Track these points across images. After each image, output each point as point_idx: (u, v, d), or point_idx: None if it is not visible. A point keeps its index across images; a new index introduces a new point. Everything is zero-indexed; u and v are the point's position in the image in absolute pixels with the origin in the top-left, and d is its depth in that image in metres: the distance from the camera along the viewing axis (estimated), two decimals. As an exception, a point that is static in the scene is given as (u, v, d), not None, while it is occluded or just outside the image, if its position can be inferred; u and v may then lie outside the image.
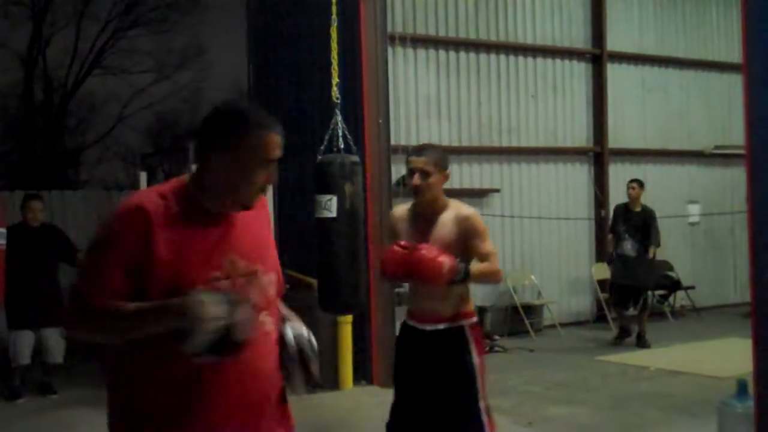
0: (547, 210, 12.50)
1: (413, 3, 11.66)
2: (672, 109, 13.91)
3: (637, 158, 13.58)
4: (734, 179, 13.68)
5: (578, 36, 13.17)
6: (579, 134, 13.11)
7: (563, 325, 12.19)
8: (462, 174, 12.09)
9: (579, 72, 13.18)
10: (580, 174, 13.13)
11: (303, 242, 9.04)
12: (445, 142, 11.95)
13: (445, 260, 4.36)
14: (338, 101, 6.73)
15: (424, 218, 4.69)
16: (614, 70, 13.37)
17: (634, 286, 10.89)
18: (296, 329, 2.79)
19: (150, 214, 2.53)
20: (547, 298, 12.08)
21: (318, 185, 6.28)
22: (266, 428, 2.72)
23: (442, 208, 4.69)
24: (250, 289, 2.65)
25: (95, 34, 27.74)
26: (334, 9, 6.85)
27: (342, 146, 6.59)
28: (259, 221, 2.81)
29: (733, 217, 13.78)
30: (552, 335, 11.71)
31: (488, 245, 4.62)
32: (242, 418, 2.63)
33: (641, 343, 10.82)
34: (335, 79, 6.53)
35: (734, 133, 13.39)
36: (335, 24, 6.65)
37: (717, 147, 14.00)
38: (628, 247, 10.85)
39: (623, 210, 11.08)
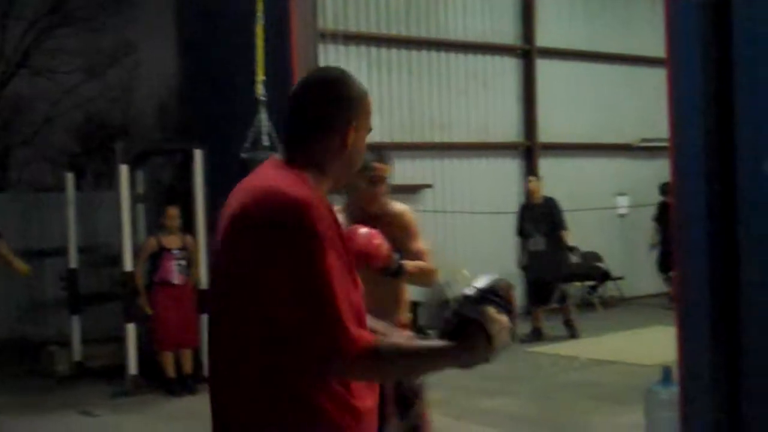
0: (478, 204, 12.58)
1: (344, 0, 11.64)
2: (601, 103, 14.10)
3: (567, 152, 13.74)
4: (661, 171, 13.89)
5: (508, 32, 13.28)
6: (509, 129, 13.23)
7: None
8: (394, 170, 12.09)
9: (509, 67, 13.30)
10: (511, 168, 13.25)
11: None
12: (377, 139, 11.94)
13: (383, 242, 3.99)
14: (263, 98, 6.69)
15: (362, 220, 4.20)
16: (544, 66, 13.51)
17: (547, 280, 10.90)
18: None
19: (329, 215, 2.21)
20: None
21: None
22: None
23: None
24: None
25: (21, 33, 27.15)
26: (259, 6, 6.81)
27: (267, 144, 6.54)
28: None
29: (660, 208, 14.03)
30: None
31: (421, 243, 4.38)
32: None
33: (570, 330, 10.92)
34: (260, 77, 6.49)
35: (661, 126, 13.55)
36: (261, 21, 6.61)
37: (644, 140, 14.24)
38: (538, 242, 10.76)
39: (525, 207, 11.04)
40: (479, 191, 12.67)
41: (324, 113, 2.31)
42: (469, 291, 2.27)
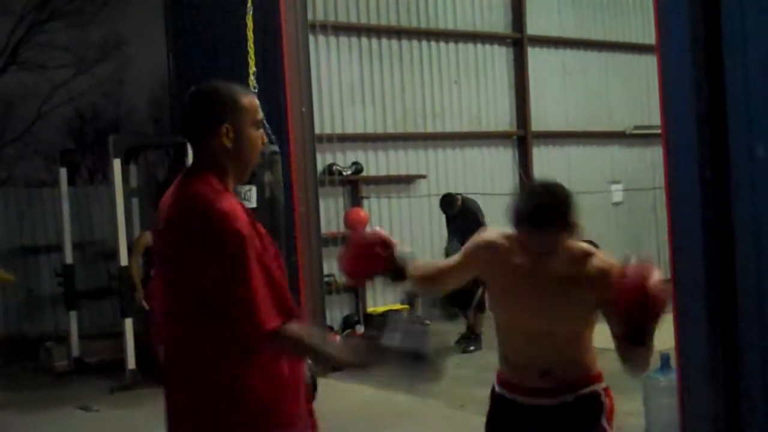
0: (473, 194, 12.59)
1: (334, -9, 11.62)
2: (592, 91, 14.11)
3: (560, 140, 13.76)
4: (654, 158, 13.93)
5: (498, 20, 13.27)
6: (502, 118, 13.23)
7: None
8: (388, 161, 12.13)
9: (500, 56, 13.29)
10: (504, 158, 13.26)
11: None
12: (369, 130, 11.98)
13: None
14: (255, 90, 6.68)
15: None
16: (535, 54, 13.51)
17: (466, 288, 10.21)
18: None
19: (244, 218, 2.64)
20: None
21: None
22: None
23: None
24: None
25: (10, 29, 27.05)
26: (249, -3, 6.79)
27: (259, 135, 6.53)
28: None
29: (655, 194, 14.04)
30: (483, 317, 11.81)
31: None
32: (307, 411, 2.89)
33: (465, 341, 10.11)
34: (252, 68, 6.48)
35: (653, 113, 13.59)
36: (251, 12, 6.61)
37: (637, 127, 14.26)
38: (453, 249, 9.69)
39: (448, 216, 10.52)
40: (473, 181, 12.67)
41: (198, 121, 2.76)
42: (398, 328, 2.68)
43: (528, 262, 3.21)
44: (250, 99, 2.78)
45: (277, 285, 2.61)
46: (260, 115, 2.80)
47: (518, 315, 3.25)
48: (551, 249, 3.15)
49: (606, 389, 3.37)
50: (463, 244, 9.53)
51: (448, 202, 10.41)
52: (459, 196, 10.50)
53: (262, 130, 2.82)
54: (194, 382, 2.68)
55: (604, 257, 3.23)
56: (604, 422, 3.27)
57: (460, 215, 10.21)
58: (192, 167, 2.76)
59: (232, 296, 2.54)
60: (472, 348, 9.97)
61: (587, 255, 3.21)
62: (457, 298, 9.84)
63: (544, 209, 3.09)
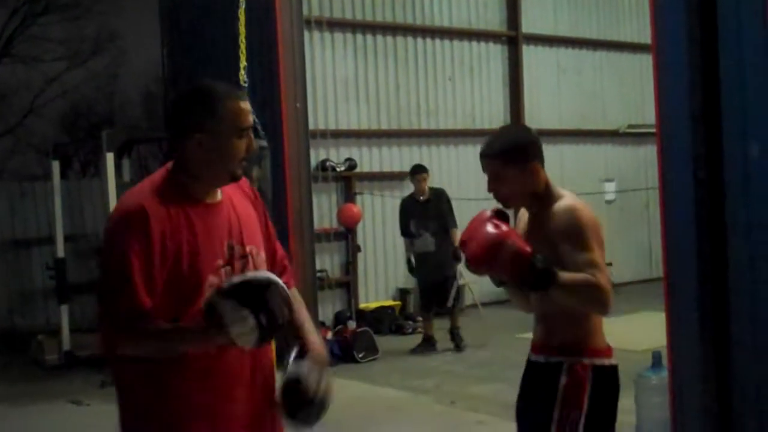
0: (466, 191, 12.59)
1: (329, -14, 11.62)
2: (586, 89, 14.13)
3: (554, 138, 13.74)
4: (647, 157, 13.97)
5: (493, 18, 13.28)
6: (496, 116, 13.24)
7: (484, 304, 12.32)
8: (381, 157, 12.13)
9: (495, 54, 13.30)
10: (498, 155, 13.26)
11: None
12: (363, 126, 11.99)
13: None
14: (246, 85, 6.66)
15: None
16: (529, 52, 13.52)
17: (440, 281, 9.62)
18: (306, 376, 2.70)
19: (152, 215, 2.54)
20: (467, 279, 12.20)
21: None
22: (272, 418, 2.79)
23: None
24: (248, 270, 2.68)
25: (4, 21, 26.98)
26: (242, -9, 6.77)
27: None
28: (244, 204, 2.83)
29: (648, 193, 14.07)
30: (473, 315, 11.81)
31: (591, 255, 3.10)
32: (253, 408, 2.72)
33: (454, 341, 9.74)
34: (243, 63, 6.47)
35: (647, 112, 13.65)
36: (243, 6, 6.58)
37: (630, 126, 14.29)
38: (426, 243, 9.61)
39: (410, 203, 9.86)
40: (467, 178, 12.67)
41: (174, 124, 2.71)
42: (225, 284, 2.50)
43: (528, 219, 3.37)
44: (235, 105, 2.64)
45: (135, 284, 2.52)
46: (246, 121, 2.66)
47: None
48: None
49: (579, 366, 3.17)
50: (441, 233, 9.35)
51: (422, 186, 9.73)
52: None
53: (248, 136, 2.68)
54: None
55: (570, 202, 3.20)
56: (555, 403, 3.16)
57: (432, 200, 9.68)
58: (168, 167, 2.72)
59: (99, 296, 2.60)
60: (418, 349, 9.64)
61: (557, 203, 3.22)
62: (432, 294, 9.67)
63: (492, 138, 3.40)
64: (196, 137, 2.61)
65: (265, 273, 2.60)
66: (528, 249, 2.96)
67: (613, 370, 3.26)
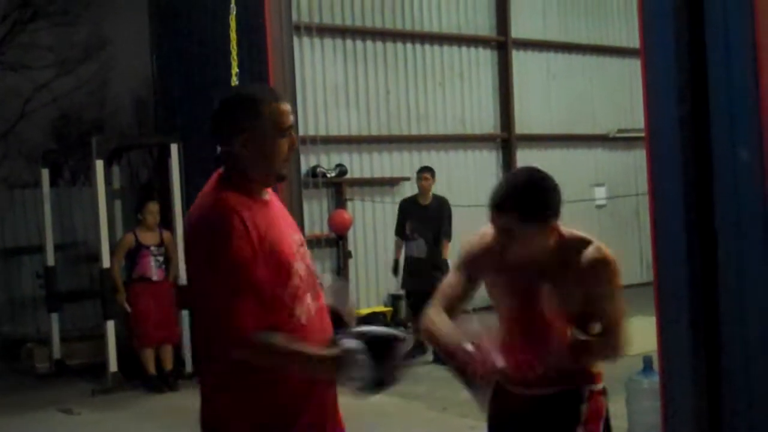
0: (457, 196, 12.58)
1: (318, -8, 11.62)
2: (576, 94, 14.15)
3: (544, 143, 13.79)
4: (637, 161, 13.98)
5: (483, 23, 13.29)
6: (486, 121, 13.25)
7: (476, 309, 12.28)
8: (372, 163, 12.13)
9: (485, 59, 13.31)
10: (488, 160, 13.28)
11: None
12: (353, 132, 11.98)
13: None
14: (236, 90, 6.66)
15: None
16: (519, 57, 13.54)
17: (426, 292, 9.35)
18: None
19: (245, 217, 2.67)
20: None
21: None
22: (338, 422, 2.98)
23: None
24: (308, 260, 2.86)
25: (-8, 28, 26.90)
26: (232, -3, 6.78)
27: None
28: (280, 204, 2.97)
29: (638, 198, 14.08)
30: (464, 319, 11.80)
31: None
32: (327, 415, 2.90)
33: (438, 357, 8.80)
34: (234, 69, 6.47)
35: (636, 117, 13.68)
36: (234, 12, 6.59)
37: (620, 130, 14.32)
38: (418, 247, 9.39)
39: (411, 205, 9.61)
40: (457, 183, 12.67)
41: (219, 129, 2.83)
42: (361, 329, 2.69)
43: (513, 257, 3.11)
44: (275, 106, 2.78)
45: (261, 293, 2.64)
46: (287, 121, 2.79)
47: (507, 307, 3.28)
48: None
49: (597, 392, 3.20)
50: (434, 242, 9.09)
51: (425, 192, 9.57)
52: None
53: (290, 135, 2.82)
54: (203, 376, 2.88)
55: (596, 248, 3.06)
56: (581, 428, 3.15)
57: (434, 206, 9.49)
58: (221, 173, 2.84)
59: (213, 305, 2.65)
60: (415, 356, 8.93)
61: (578, 245, 3.06)
62: (420, 302, 9.22)
63: (507, 190, 3.08)
64: (242, 138, 2.75)
65: (395, 331, 2.75)
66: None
67: (604, 391, 3.27)
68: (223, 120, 2.81)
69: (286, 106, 2.81)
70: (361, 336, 2.63)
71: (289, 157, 2.83)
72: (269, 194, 2.88)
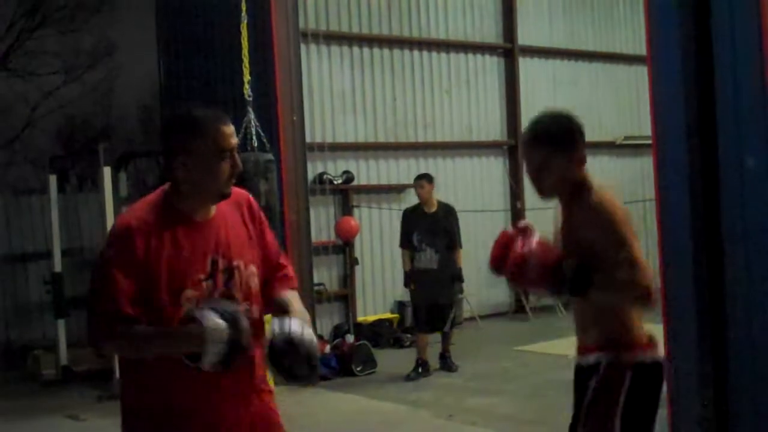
0: (464, 203, 12.58)
1: (325, 0, 11.64)
2: (582, 101, 14.12)
3: (551, 150, 13.78)
4: (644, 168, 13.97)
5: (490, 31, 13.31)
6: (493, 128, 13.27)
7: (482, 317, 12.31)
8: (379, 170, 12.13)
9: (491, 66, 13.33)
10: (495, 167, 13.28)
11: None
12: (360, 139, 11.99)
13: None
14: (250, 98, 6.68)
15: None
16: (526, 64, 13.56)
17: (441, 303, 9.05)
18: (282, 325, 2.85)
19: (137, 232, 2.78)
20: (466, 291, 12.18)
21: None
22: (252, 416, 2.95)
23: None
24: (233, 284, 2.89)
25: (0, 35, 26.98)
26: (243, 6, 6.80)
27: (256, 144, 6.53)
28: (236, 219, 3.00)
29: (645, 205, 14.07)
30: (472, 328, 11.82)
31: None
32: (232, 407, 2.89)
33: (445, 365, 9.17)
34: (246, 77, 6.49)
35: (643, 124, 13.67)
36: (245, 21, 6.62)
37: (627, 137, 14.31)
38: (428, 258, 9.00)
39: (414, 215, 9.23)
40: (464, 190, 12.69)
41: (162, 147, 2.96)
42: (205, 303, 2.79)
43: (562, 212, 3.24)
44: (217, 128, 2.82)
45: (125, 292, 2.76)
46: (227, 144, 2.83)
47: None
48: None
49: (616, 363, 3.09)
50: (446, 251, 9.00)
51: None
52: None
53: (232, 157, 2.85)
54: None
55: (602, 197, 3.12)
56: (596, 400, 3.11)
57: (441, 215, 9.15)
58: (162, 189, 2.95)
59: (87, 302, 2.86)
60: (413, 375, 8.92)
61: (590, 197, 3.12)
62: (429, 316, 9.06)
63: (538, 122, 3.22)
64: (180, 159, 2.82)
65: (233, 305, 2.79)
66: (552, 261, 2.96)
67: (655, 365, 3.15)
68: (164, 139, 2.93)
69: (229, 129, 2.85)
70: (210, 310, 2.71)
71: (231, 177, 2.87)
72: (216, 211, 2.92)
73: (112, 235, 2.84)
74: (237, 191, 3.00)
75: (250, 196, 3.12)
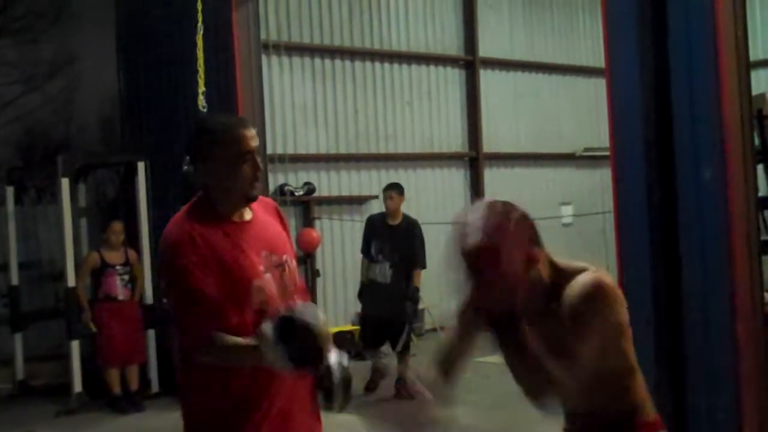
0: (425, 214, 12.60)
1: (287, 11, 11.63)
2: (543, 113, 14.25)
3: (511, 162, 13.87)
4: (604, 180, 14.01)
5: (451, 43, 13.37)
6: (454, 140, 13.31)
7: (444, 328, 12.30)
8: (340, 181, 12.12)
9: (452, 78, 13.38)
10: (456, 179, 13.32)
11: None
12: (322, 150, 11.98)
13: None
14: (204, 109, 6.63)
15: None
16: (487, 76, 13.63)
17: (390, 322, 8.62)
18: (340, 358, 2.92)
19: (192, 233, 2.90)
20: (427, 303, 12.18)
21: (184, 196, 6.15)
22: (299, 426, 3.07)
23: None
24: (286, 278, 3.03)
25: (-43, 45, 26.64)
26: (199, 16, 6.77)
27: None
28: (272, 220, 3.16)
29: (604, 217, 14.17)
30: (434, 339, 11.80)
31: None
32: (279, 416, 2.98)
33: (399, 393, 8.59)
34: (201, 87, 6.45)
35: (602, 136, 13.73)
36: (201, 32, 6.58)
37: (587, 149, 14.42)
38: (382, 271, 8.59)
39: (378, 223, 8.83)
40: (426, 202, 12.70)
41: (190, 158, 3.17)
42: (275, 315, 2.79)
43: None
44: (235, 133, 2.95)
45: (205, 299, 2.84)
46: (247, 146, 2.94)
47: None
48: (495, 279, 2.60)
49: None
50: (402, 266, 8.62)
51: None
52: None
53: (252, 159, 2.95)
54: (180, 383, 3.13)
55: (581, 279, 2.68)
56: None
57: (402, 228, 8.72)
58: (194, 199, 3.09)
59: (174, 320, 2.98)
60: (372, 386, 8.31)
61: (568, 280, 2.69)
62: (378, 331, 8.71)
63: (474, 225, 2.60)
64: (205, 166, 2.99)
65: (309, 313, 2.78)
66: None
67: None
68: (189, 150, 3.13)
69: (248, 132, 2.96)
70: (275, 321, 2.74)
71: (254, 178, 2.97)
72: (251, 213, 3.05)
73: (170, 245, 2.93)
74: (264, 198, 3.17)
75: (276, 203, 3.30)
